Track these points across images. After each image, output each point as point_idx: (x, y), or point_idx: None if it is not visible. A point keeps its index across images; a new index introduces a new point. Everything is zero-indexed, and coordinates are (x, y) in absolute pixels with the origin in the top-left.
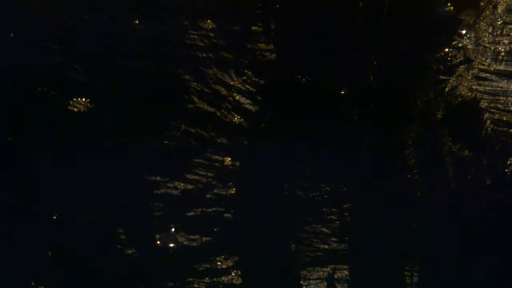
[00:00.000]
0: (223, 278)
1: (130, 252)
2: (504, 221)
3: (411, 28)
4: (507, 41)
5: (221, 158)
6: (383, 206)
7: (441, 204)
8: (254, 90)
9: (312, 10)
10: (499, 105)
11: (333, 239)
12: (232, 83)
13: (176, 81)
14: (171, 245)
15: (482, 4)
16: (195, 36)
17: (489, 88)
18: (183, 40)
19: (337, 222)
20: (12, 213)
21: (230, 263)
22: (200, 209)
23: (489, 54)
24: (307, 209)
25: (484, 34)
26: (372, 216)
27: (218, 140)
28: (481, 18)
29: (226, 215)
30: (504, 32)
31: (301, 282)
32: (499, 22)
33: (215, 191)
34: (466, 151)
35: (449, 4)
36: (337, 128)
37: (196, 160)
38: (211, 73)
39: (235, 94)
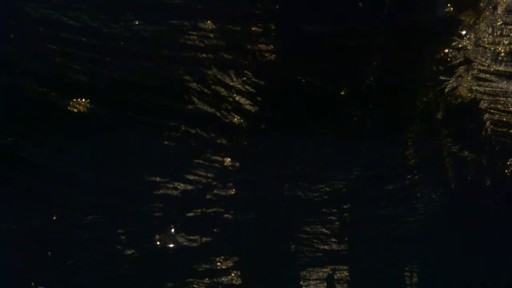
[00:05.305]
0: (223, 279)
1: (130, 252)
2: (504, 222)
3: (411, 29)
4: (507, 42)
5: (221, 159)
6: (382, 206)
7: (441, 205)
8: (254, 91)
9: (312, 10)
10: (499, 106)
11: (333, 239)
12: (232, 83)
13: (176, 82)
14: (171, 245)
15: (482, 4)
16: (195, 37)
17: (489, 88)
18: (183, 41)
19: (337, 222)
20: (12, 213)
21: (230, 263)
22: (200, 210)
23: (489, 55)
24: (307, 209)
25: (484, 35)
26: (371, 216)
27: (218, 141)
28: (481, 18)
29: (226, 215)
30: (504, 32)
31: (301, 282)
32: (499, 23)
33: (215, 191)
34: (466, 152)
35: (449, 4)
36: (337, 129)
37: (196, 160)
38: (211, 73)
39: (235, 95)
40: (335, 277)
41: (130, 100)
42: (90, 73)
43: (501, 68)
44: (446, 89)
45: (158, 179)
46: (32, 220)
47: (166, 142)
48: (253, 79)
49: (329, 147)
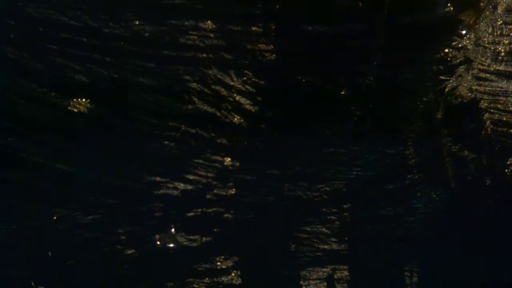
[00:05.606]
0: (223, 278)
1: (130, 252)
2: (504, 222)
3: (411, 29)
4: (507, 42)
5: (221, 159)
6: (382, 206)
7: (441, 204)
8: (254, 91)
9: (312, 10)
10: (499, 106)
11: (333, 239)
12: (232, 83)
13: (176, 82)
14: (171, 245)
15: (482, 4)
16: (195, 37)
17: (489, 88)
18: (183, 41)
19: (337, 222)
20: (12, 213)
21: (230, 263)
22: (200, 210)
23: (489, 55)
24: (307, 209)
25: (484, 35)
26: (371, 216)
27: (218, 141)
28: (481, 18)
29: (226, 215)
30: (504, 32)
31: (301, 282)
32: (499, 23)
33: (215, 191)
34: (466, 152)
35: (449, 4)
36: (337, 128)
37: (196, 160)
38: (211, 73)
39: (235, 95)
40: (335, 277)
41: (130, 100)
42: (90, 73)
43: (501, 67)
44: (446, 89)
45: (158, 179)
46: (32, 220)
47: (166, 142)
48: (253, 79)
49: (329, 147)
